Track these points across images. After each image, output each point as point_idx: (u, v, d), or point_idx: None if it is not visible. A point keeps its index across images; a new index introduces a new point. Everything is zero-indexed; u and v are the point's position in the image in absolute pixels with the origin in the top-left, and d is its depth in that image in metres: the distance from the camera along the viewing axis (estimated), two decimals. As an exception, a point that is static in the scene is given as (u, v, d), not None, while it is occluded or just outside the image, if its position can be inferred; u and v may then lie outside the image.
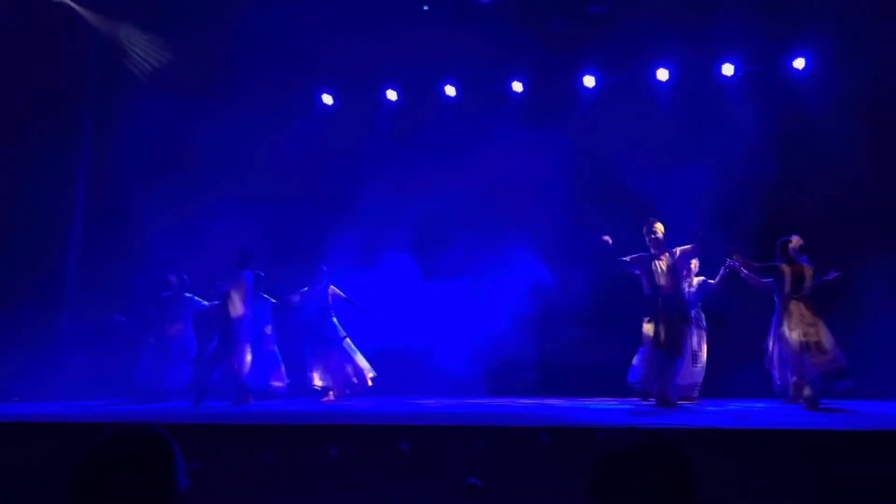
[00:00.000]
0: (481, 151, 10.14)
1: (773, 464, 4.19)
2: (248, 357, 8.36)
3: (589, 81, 10.43)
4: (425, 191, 9.99)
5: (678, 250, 7.69)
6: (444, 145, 10.39)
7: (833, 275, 7.50)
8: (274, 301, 9.41)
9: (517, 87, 10.63)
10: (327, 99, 11.07)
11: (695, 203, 9.22)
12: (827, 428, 4.81)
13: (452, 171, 10.10)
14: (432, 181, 10.02)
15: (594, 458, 1.68)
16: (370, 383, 8.98)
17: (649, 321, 7.52)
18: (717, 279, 8.33)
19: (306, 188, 10.38)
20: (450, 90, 10.78)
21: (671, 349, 7.31)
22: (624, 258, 7.76)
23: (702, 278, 8.51)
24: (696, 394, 8.27)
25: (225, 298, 8.38)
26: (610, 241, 7.63)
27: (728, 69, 10.00)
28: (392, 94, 10.95)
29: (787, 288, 7.34)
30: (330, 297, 9.16)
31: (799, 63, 9.80)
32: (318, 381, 8.84)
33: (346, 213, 10.19)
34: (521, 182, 9.84)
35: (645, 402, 7.85)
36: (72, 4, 9.57)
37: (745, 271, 7.84)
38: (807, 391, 6.94)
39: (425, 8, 9.85)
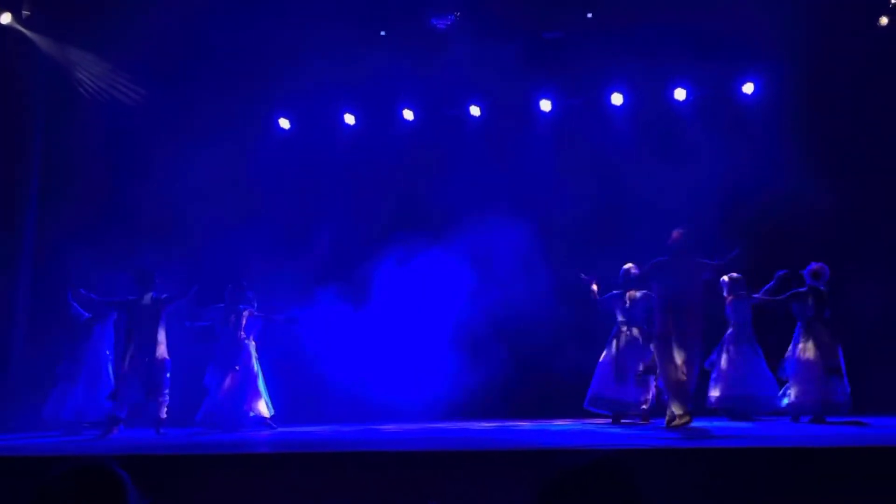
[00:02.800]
0: (439, 175, 10.20)
1: (724, 482, 4.24)
2: None
3: (545, 105, 10.58)
4: (382, 214, 10.02)
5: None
6: (401, 169, 10.44)
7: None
8: None
9: (475, 111, 10.73)
10: (284, 123, 11.03)
11: (649, 224, 9.38)
12: (773, 446, 4.89)
13: (410, 194, 10.14)
14: (390, 205, 10.05)
15: (541, 482, 1.69)
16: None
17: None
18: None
19: (260, 214, 10.29)
20: (408, 114, 10.83)
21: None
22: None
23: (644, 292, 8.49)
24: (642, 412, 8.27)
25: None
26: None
27: (680, 94, 10.24)
28: (350, 119, 10.96)
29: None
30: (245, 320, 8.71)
31: (748, 88, 10.09)
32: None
33: (303, 237, 10.16)
34: (479, 204, 9.92)
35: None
36: (21, 29, 9.42)
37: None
38: None
39: (382, 33, 9.89)
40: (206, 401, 8.57)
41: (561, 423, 8.26)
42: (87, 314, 8.81)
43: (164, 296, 8.20)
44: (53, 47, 9.76)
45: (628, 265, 8.45)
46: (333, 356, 9.59)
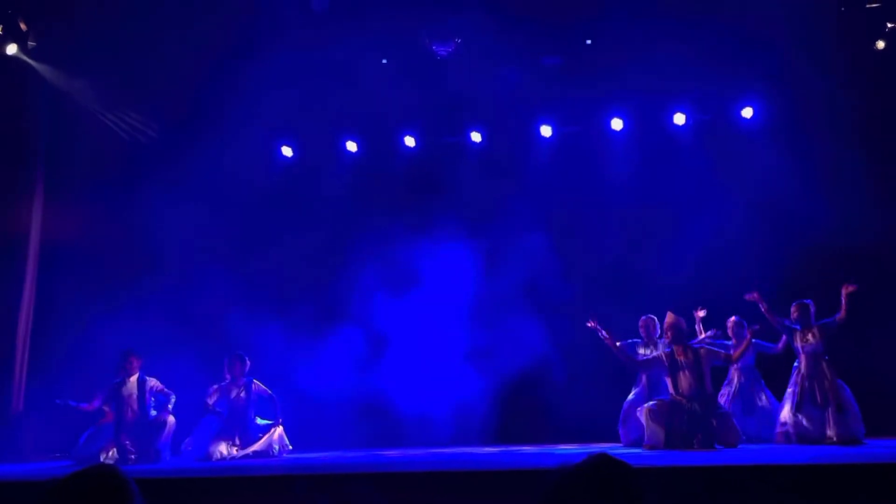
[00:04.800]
0: (440, 201, 10.23)
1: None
2: None
3: (546, 131, 10.64)
4: (386, 240, 10.03)
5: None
6: (402, 195, 10.48)
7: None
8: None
9: (476, 137, 10.77)
10: (287, 151, 11.08)
11: (649, 253, 9.39)
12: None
13: (411, 220, 10.17)
14: (391, 232, 10.07)
15: (545, 484, 1.68)
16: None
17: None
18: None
19: (258, 239, 10.31)
20: (409, 141, 10.89)
21: None
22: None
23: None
24: None
25: None
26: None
27: (679, 118, 10.30)
28: (352, 146, 11.01)
29: None
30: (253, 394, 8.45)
31: (747, 112, 10.14)
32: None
33: (303, 263, 10.18)
34: (480, 230, 9.95)
35: None
36: (27, 60, 9.50)
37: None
38: None
39: (384, 61, 9.98)
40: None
41: (565, 448, 8.20)
42: (86, 404, 8.41)
43: (152, 382, 8.19)
44: (58, 78, 9.83)
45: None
46: (337, 383, 9.57)
